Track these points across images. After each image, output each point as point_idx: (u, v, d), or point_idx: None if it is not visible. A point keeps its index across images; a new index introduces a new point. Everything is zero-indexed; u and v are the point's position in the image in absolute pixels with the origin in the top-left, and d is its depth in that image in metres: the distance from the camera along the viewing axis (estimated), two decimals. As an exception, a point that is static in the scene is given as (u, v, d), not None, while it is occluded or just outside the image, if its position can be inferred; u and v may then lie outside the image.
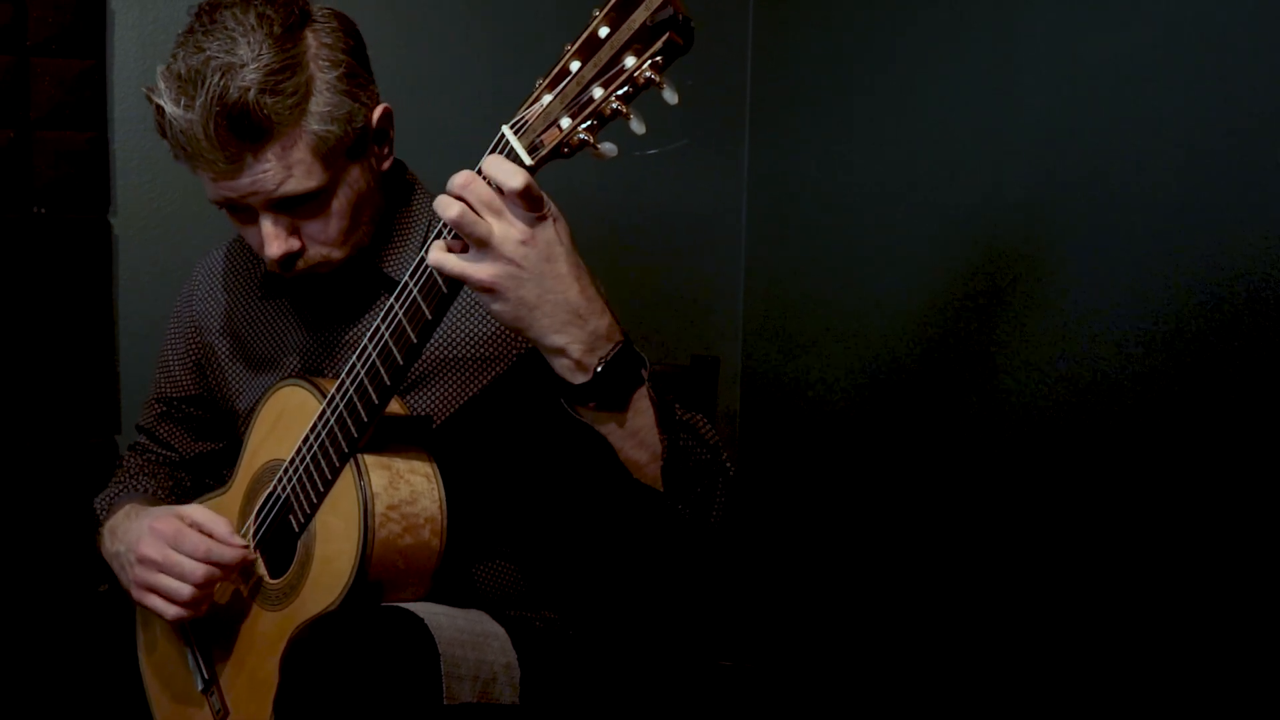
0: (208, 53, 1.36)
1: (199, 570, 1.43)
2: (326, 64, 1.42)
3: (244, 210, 1.46)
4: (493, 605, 1.50)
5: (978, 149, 2.11)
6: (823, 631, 2.49)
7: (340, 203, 1.46)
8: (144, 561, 1.47)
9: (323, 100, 1.41)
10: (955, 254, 2.17)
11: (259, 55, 1.36)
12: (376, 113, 1.49)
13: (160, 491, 1.71)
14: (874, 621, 2.36)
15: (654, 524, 1.36)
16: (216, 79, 1.34)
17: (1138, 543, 1.83)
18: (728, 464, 1.39)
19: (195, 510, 1.48)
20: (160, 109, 1.39)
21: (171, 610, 1.47)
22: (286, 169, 1.40)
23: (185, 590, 1.44)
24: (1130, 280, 1.83)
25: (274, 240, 1.44)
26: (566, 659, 1.51)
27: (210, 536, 1.45)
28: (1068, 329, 1.94)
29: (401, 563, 1.36)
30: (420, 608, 1.36)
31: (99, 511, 1.70)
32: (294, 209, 1.44)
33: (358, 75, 1.46)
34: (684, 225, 2.70)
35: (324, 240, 1.47)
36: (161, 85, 1.39)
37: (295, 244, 1.46)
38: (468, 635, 1.38)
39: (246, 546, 1.47)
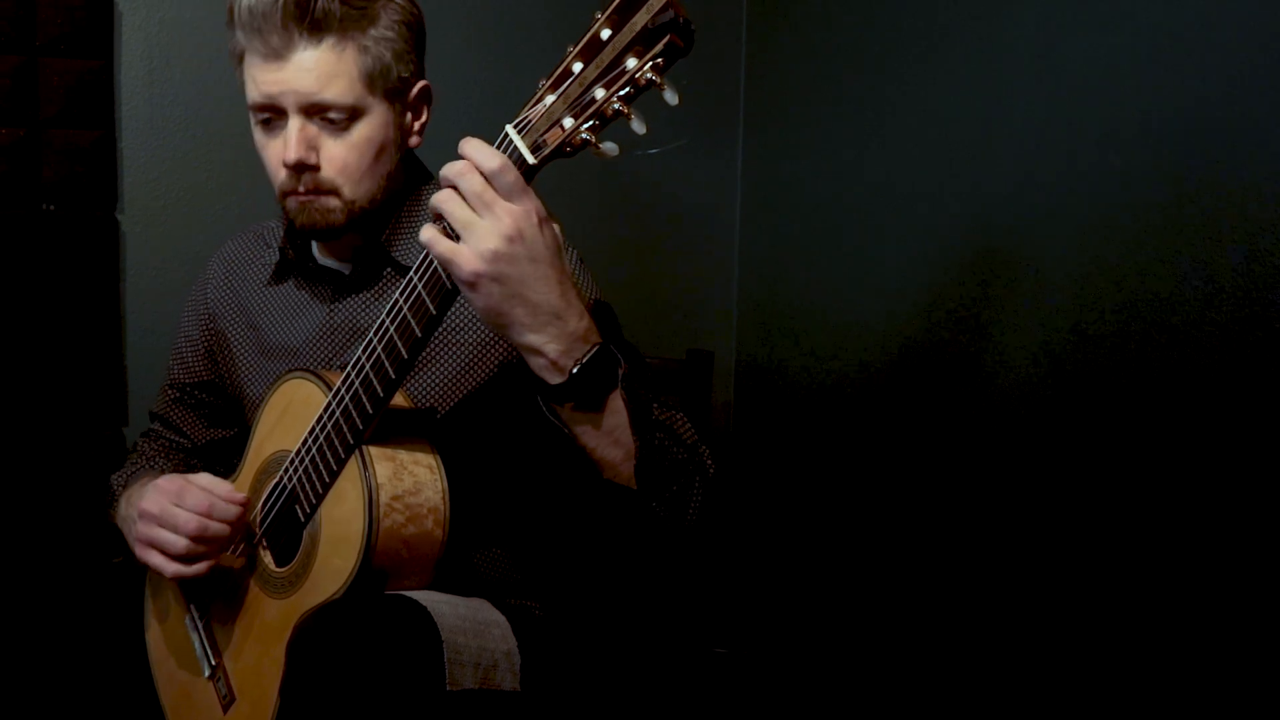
0: None
1: (193, 522, 1.45)
2: (395, 10, 1.51)
3: (276, 119, 1.50)
4: (494, 594, 1.52)
5: (964, 147, 2.13)
6: (816, 619, 2.50)
7: (365, 134, 1.51)
8: (144, 516, 1.49)
9: (382, 31, 1.49)
10: (943, 249, 2.19)
11: None
12: (420, 84, 1.56)
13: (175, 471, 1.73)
14: (867, 609, 2.37)
15: (629, 522, 1.37)
16: None
17: (1117, 522, 1.85)
18: (707, 463, 1.40)
19: (200, 477, 1.51)
20: None
21: (170, 567, 1.48)
22: (331, 74, 1.46)
23: (180, 543, 1.46)
24: (1112, 277, 1.86)
25: (296, 143, 1.48)
26: (566, 646, 1.53)
27: (216, 495, 1.48)
28: (1055, 322, 1.96)
29: (405, 552, 1.38)
30: (423, 596, 1.37)
31: (115, 486, 1.72)
32: (323, 122, 1.49)
33: (416, 35, 1.54)
34: (679, 222, 2.73)
35: (339, 167, 1.50)
36: None
37: (313, 157, 1.49)
38: (469, 623, 1.39)
39: (247, 501, 1.49)
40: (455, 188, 1.21)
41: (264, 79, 1.48)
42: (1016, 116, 2.03)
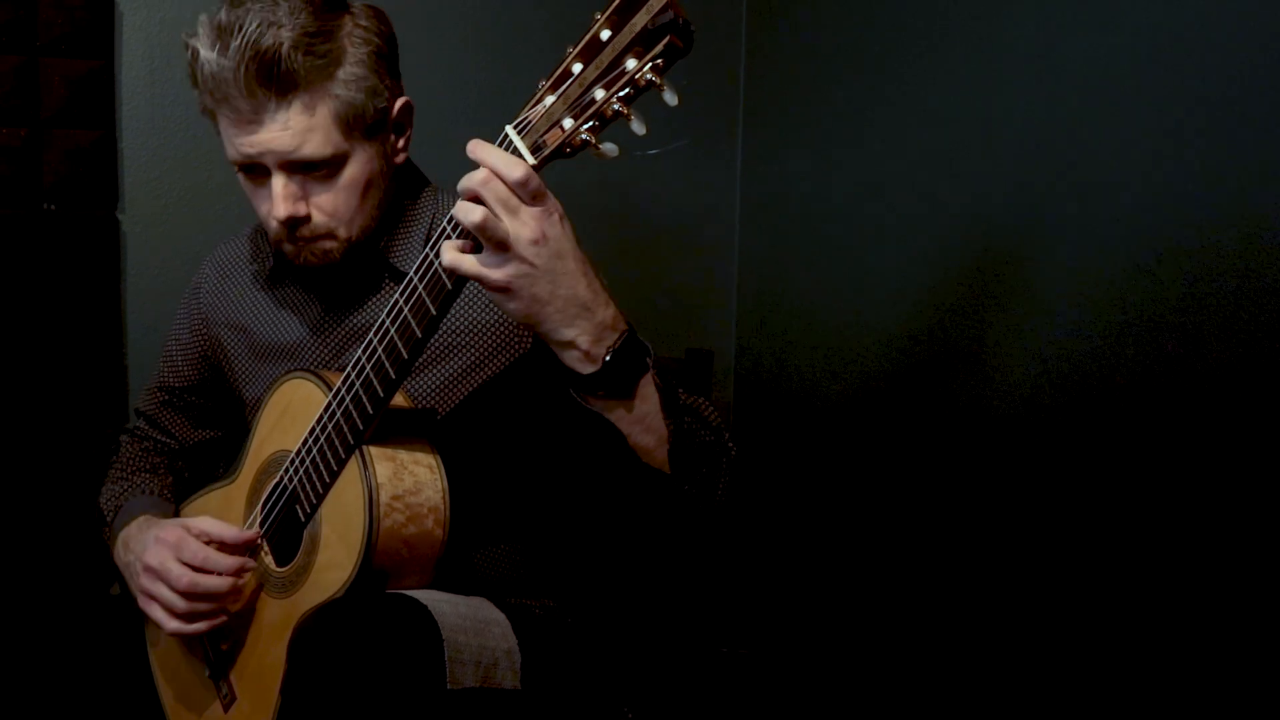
0: (249, 8, 1.41)
1: (184, 578, 1.46)
2: (359, 40, 1.48)
3: (259, 172, 1.49)
4: (494, 592, 1.53)
5: (964, 149, 2.14)
6: (816, 617, 2.51)
7: (351, 177, 1.49)
8: (147, 570, 1.50)
9: (350, 70, 1.46)
10: (943, 250, 2.20)
11: (297, 18, 1.42)
12: (399, 103, 1.54)
13: (165, 490, 1.73)
14: (868, 608, 2.38)
15: (662, 505, 1.39)
16: (253, 28, 1.39)
17: (1119, 517, 1.86)
18: (730, 444, 1.41)
19: (202, 521, 1.51)
20: (195, 53, 1.44)
21: (170, 624, 1.49)
22: (306, 130, 1.44)
23: (172, 599, 1.47)
24: (1111, 275, 1.86)
25: (283, 200, 1.47)
26: (566, 645, 1.54)
27: (221, 541, 1.48)
28: (1052, 321, 1.96)
29: (405, 551, 1.39)
30: (423, 595, 1.38)
31: (105, 511, 1.72)
32: (306, 174, 1.48)
33: (385, 59, 1.51)
34: (679, 222, 2.73)
35: (330, 212, 1.50)
36: (200, 31, 1.43)
37: (302, 209, 1.49)
38: (470, 622, 1.40)
39: (253, 538, 1.49)
40: (479, 197, 1.20)
41: (240, 141, 1.47)
42: (1017, 117, 2.03)
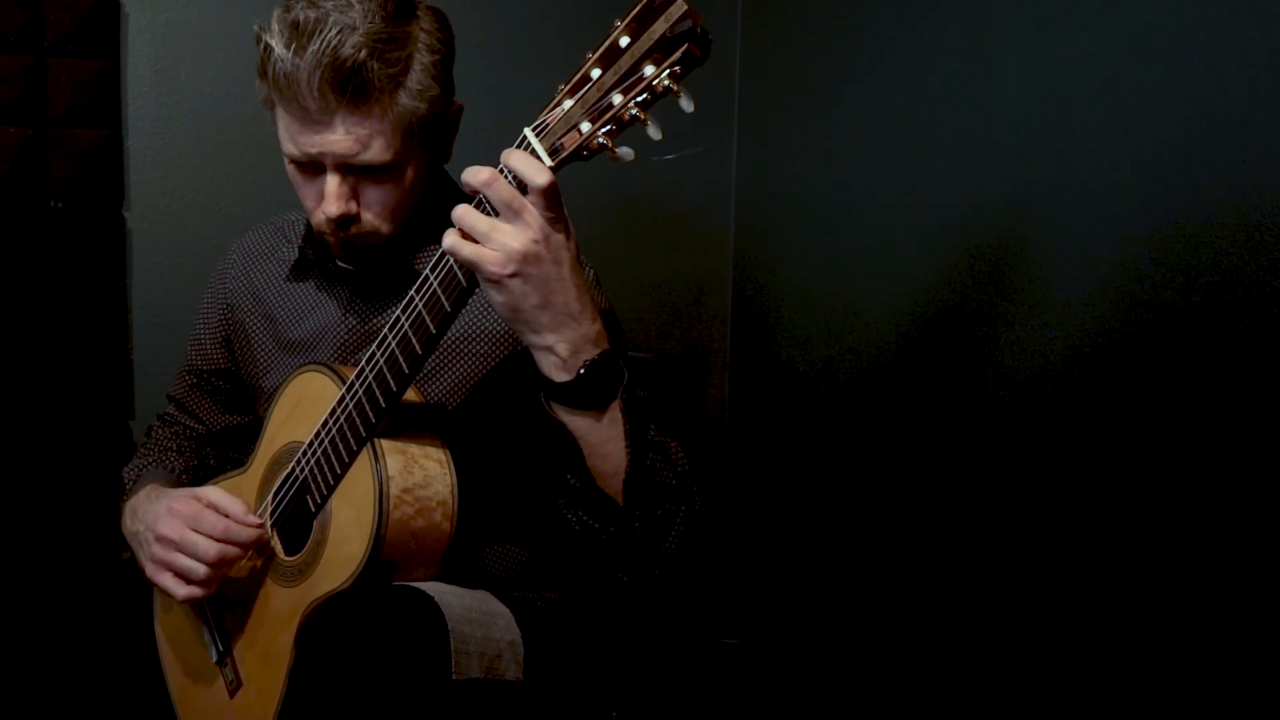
0: (325, 9, 1.42)
1: (213, 549, 1.47)
2: (425, 48, 1.48)
3: (312, 168, 1.50)
4: (498, 586, 1.54)
5: (958, 146, 2.15)
6: (815, 610, 2.52)
7: (404, 179, 1.51)
8: (161, 540, 1.51)
9: (417, 78, 1.47)
10: (936, 246, 2.21)
11: (371, 23, 1.42)
12: (454, 107, 1.57)
13: (185, 471, 1.75)
14: (864, 600, 2.39)
15: (609, 533, 1.39)
16: (333, 33, 1.40)
17: (1112, 513, 1.87)
18: (695, 495, 1.41)
19: (212, 492, 1.52)
20: (268, 49, 1.43)
21: (183, 590, 1.50)
22: (369, 137, 1.45)
23: (200, 570, 1.48)
24: (1105, 270, 1.88)
25: (336, 200, 1.48)
26: (568, 637, 1.56)
27: (227, 517, 1.50)
28: (1048, 316, 1.98)
29: (413, 544, 1.40)
30: (430, 587, 1.39)
31: (126, 482, 1.74)
32: (361, 176, 1.49)
33: (446, 64, 1.53)
34: (676, 220, 2.75)
35: (379, 212, 1.52)
36: (275, 27, 1.43)
37: (353, 208, 1.50)
38: (475, 614, 1.42)
39: (262, 525, 1.51)
40: (482, 195, 1.23)
41: (302, 140, 1.47)
42: (1011, 112, 2.04)
